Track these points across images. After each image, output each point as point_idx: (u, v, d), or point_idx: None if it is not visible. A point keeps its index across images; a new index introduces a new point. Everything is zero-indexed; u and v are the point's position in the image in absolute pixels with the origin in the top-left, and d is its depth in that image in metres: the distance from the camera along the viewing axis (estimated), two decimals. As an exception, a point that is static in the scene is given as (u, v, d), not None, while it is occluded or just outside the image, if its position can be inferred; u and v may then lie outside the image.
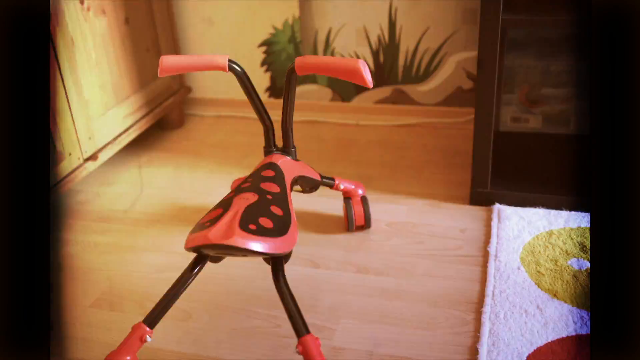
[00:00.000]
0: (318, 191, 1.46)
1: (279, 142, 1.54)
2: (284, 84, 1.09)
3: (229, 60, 1.06)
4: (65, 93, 1.34)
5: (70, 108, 1.36)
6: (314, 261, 1.24)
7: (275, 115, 1.85)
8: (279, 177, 1.09)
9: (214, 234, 0.90)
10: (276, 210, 1.00)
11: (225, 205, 0.98)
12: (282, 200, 1.03)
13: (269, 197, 1.03)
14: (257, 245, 0.90)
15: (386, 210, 1.38)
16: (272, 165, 1.11)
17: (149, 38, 1.64)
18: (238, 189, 1.04)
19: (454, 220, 1.33)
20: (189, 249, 0.94)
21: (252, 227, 0.92)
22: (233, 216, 0.93)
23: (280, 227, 0.95)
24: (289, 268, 1.22)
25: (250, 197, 1.00)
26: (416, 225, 1.32)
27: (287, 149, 1.16)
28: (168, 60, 1.07)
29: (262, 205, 0.99)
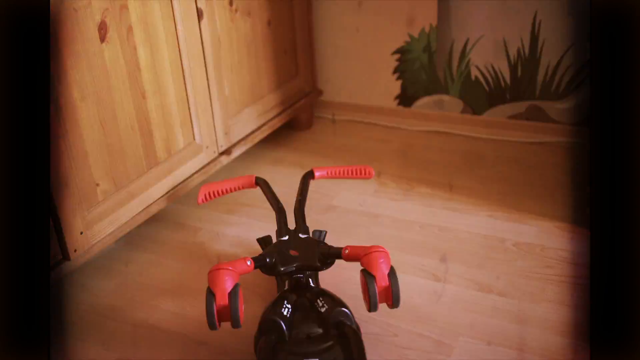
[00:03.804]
0: (442, 202, 1.44)
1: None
2: (299, 183, 1.23)
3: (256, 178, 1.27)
4: (209, 90, 1.42)
5: (211, 104, 1.43)
6: (435, 274, 1.22)
7: (402, 124, 1.84)
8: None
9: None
10: None
11: None
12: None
13: None
14: None
15: (513, 229, 1.33)
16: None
17: (287, 40, 1.70)
18: None
19: (588, 247, 1.25)
20: None
21: None
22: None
23: None
24: (409, 279, 1.21)
25: None
26: (545, 248, 1.26)
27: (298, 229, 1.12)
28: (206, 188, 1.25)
29: None
